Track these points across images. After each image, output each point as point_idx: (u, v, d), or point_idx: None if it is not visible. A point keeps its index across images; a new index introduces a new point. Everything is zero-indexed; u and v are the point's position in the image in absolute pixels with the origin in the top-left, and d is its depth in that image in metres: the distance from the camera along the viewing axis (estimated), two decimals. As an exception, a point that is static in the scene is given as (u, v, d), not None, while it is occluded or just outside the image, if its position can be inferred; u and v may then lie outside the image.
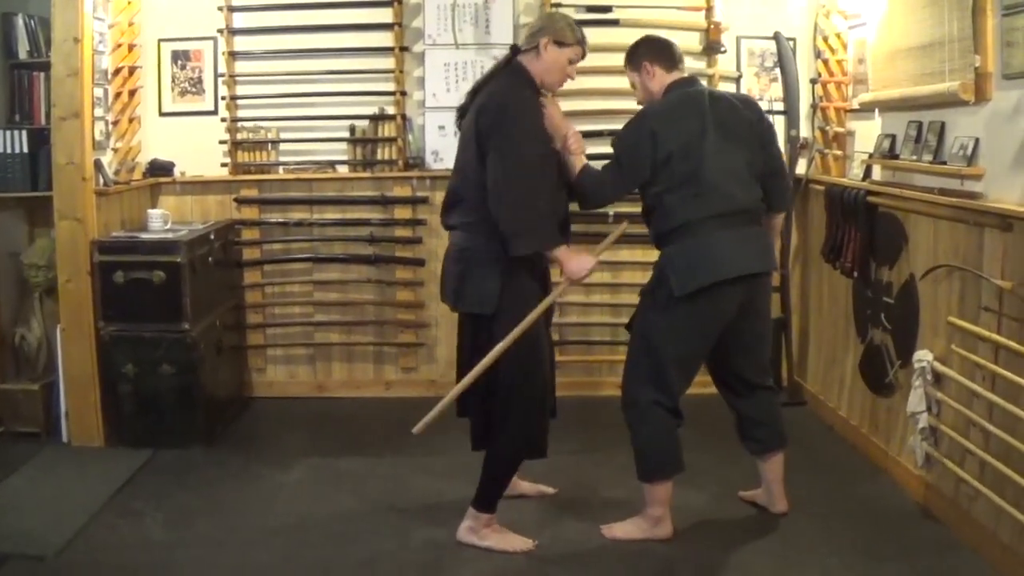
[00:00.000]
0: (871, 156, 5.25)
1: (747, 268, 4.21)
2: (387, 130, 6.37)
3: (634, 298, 6.37)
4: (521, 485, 4.82)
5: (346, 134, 6.42)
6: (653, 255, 6.28)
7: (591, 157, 6.28)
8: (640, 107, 4.47)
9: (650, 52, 4.39)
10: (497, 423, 4.22)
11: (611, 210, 6.18)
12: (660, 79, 4.35)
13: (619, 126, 6.18)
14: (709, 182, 4.15)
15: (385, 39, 6.35)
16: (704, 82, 6.39)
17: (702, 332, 4.31)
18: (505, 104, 4.09)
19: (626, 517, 4.50)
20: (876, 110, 5.35)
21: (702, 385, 6.59)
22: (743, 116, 4.32)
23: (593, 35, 6.21)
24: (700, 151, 4.16)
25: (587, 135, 6.17)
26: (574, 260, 4.20)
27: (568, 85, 6.16)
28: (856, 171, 5.53)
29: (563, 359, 6.48)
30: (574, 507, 4.73)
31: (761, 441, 4.56)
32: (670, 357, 4.26)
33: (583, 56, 4.31)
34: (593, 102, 6.35)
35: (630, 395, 4.35)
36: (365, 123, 6.40)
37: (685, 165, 4.15)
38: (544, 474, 5.00)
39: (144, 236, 5.67)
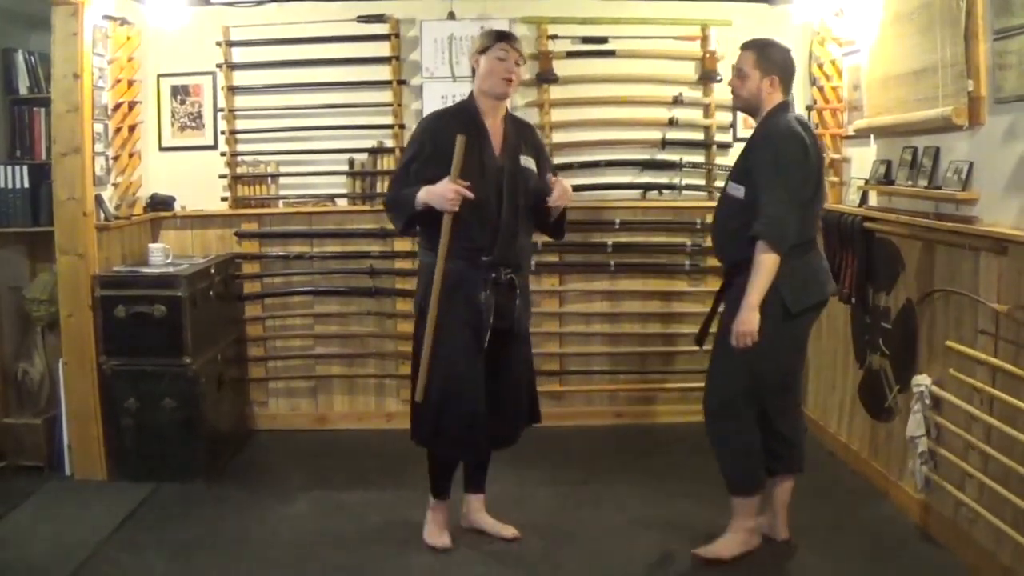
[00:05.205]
0: (867, 182, 5.28)
1: (833, 288, 4.45)
2: (386, 163, 6.40)
3: (633, 327, 6.46)
4: (480, 519, 4.81)
5: (345, 167, 6.45)
6: (652, 284, 6.41)
7: (588, 188, 6.37)
8: (732, 91, 4.48)
9: (785, 71, 4.36)
10: None
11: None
12: (774, 97, 4.33)
13: (616, 156, 6.34)
14: (818, 206, 4.35)
15: (383, 73, 6.39)
16: (700, 112, 6.46)
17: (800, 348, 4.45)
18: None
19: (632, 547, 4.54)
20: (871, 136, 5.38)
21: (702, 413, 6.63)
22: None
23: (589, 67, 6.34)
24: (821, 174, 4.33)
25: (584, 165, 6.30)
26: (434, 193, 4.25)
27: (566, 116, 6.30)
28: (852, 197, 5.56)
29: (563, 389, 6.51)
30: (575, 538, 4.73)
31: (785, 460, 4.56)
32: (771, 371, 4.33)
33: (510, 49, 4.41)
34: (591, 133, 6.39)
35: (728, 408, 4.36)
36: (364, 156, 6.44)
37: (812, 185, 4.23)
38: (544, 502, 5.05)
39: (145, 270, 5.67)
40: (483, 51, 4.42)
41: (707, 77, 6.39)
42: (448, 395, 4.36)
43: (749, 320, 4.13)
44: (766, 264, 4.09)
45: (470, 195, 4.21)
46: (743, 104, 4.45)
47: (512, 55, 4.40)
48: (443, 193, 4.20)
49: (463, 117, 4.45)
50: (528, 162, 4.49)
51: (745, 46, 4.41)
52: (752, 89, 4.33)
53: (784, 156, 4.14)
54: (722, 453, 4.42)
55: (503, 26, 6.17)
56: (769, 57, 4.33)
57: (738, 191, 4.28)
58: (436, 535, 4.66)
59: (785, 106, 4.33)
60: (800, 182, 4.15)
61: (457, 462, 4.70)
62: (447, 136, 4.28)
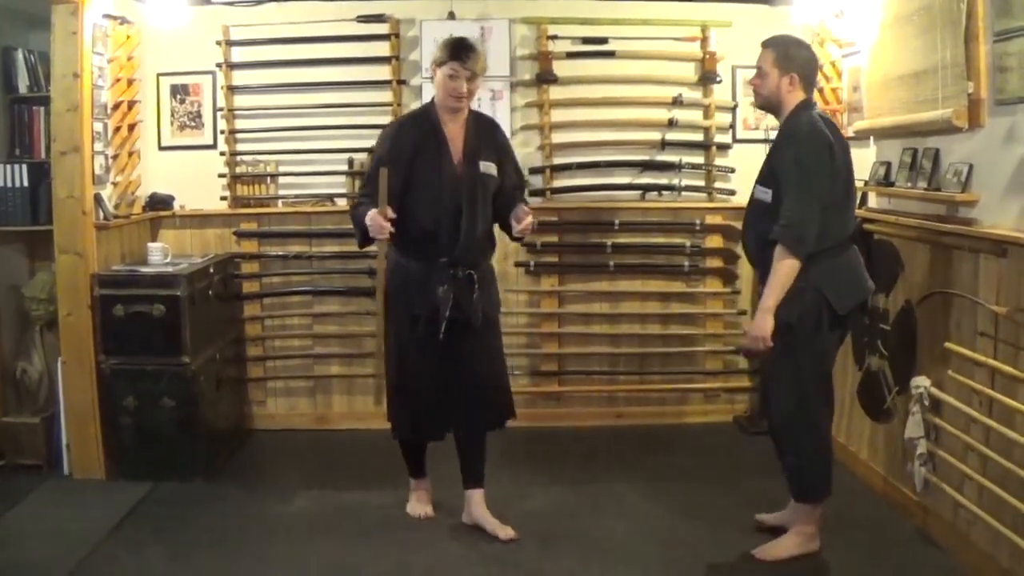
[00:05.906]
0: (867, 184, 5.28)
1: (872, 285, 4.40)
2: (385, 163, 6.40)
3: (633, 328, 6.45)
4: (480, 515, 4.81)
5: (345, 167, 6.44)
6: (651, 285, 6.41)
7: (587, 188, 6.37)
8: (759, 93, 4.42)
9: (806, 70, 4.32)
10: None
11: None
12: (795, 96, 4.29)
13: (615, 157, 6.34)
14: (852, 203, 4.33)
15: (383, 72, 6.39)
16: (700, 113, 6.46)
17: (839, 347, 4.44)
18: None
19: (628, 547, 4.54)
20: (871, 138, 5.39)
21: (701, 415, 6.64)
22: None
23: (589, 67, 6.34)
24: (850, 172, 4.27)
25: (583, 166, 6.29)
26: (368, 224, 4.41)
27: (565, 116, 6.29)
28: (852, 199, 5.56)
29: (562, 390, 6.51)
30: (573, 539, 4.71)
31: None
32: (828, 373, 4.37)
33: (460, 68, 4.48)
34: (590, 133, 6.39)
35: (806, 418, 4.31)
36: (363, 156, 6.40)
37: (842, 184, 4.21)
38: (543, 502, 5.06)
39: (144, 270, 5.66)
40: (439, 64, 4.54)
41: (707, 78, 6.39)
42: (402, 384, 4.73)
43: (763, 325, 4.14)
44: (783, 269, 4.09)
45: (388, 226, 4.36)
46: (763, 102, 4.43)
47: (462, 74, 4.48)
48: (371, 226, 4.39)
49: (422, 125, 4.58)
50: (488, 167, 4.59)
51: (765, 44, 4.39)
52: (771, 87, 4.31)
53: (806, 156, 4.12)
54: (792, 462, 4.40)
55: (503, 27, 6.22)
56: (788, 55, 4.30)
57: (765, 194, 4.26)
58: (417, 507, 5.01)
59: (807, 104, 4.30)
60: (826, 182, 4.11)
61: (422, 443, 4.98)
62: (403, 145, 4.51)
